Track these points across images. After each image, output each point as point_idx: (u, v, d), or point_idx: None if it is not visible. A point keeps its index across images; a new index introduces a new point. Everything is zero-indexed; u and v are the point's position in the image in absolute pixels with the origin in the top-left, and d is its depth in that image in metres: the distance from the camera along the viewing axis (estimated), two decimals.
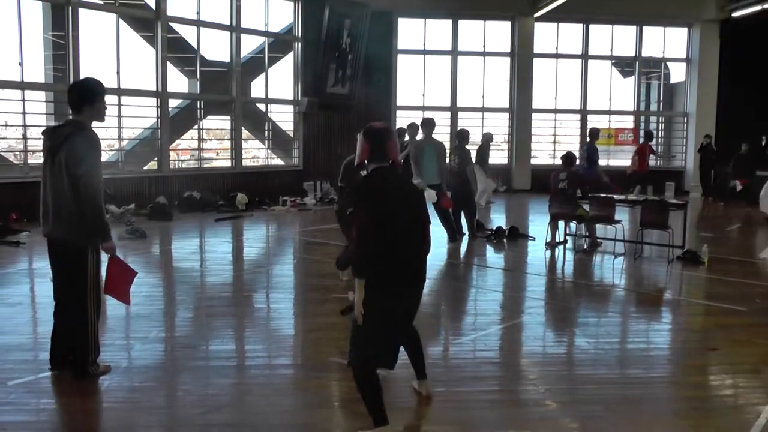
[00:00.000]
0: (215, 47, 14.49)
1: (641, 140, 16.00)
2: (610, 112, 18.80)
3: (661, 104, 19.92)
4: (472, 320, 6.19)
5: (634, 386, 4.47)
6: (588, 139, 12.08)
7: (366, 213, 3.47)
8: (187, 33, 13.90)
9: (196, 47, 13.86)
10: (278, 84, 15.57)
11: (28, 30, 11.38)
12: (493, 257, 9.18)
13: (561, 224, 9.60)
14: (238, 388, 4.36)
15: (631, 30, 18.43)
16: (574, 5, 16.14)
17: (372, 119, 5.01)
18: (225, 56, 14.47)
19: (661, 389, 4.46)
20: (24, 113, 11.28)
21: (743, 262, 8.81)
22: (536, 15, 17.32)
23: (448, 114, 17.57)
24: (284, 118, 15.92)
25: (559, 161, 10.48)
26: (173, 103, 13.81)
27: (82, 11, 11.73)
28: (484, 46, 17.87)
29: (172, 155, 13.96)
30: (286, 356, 5.14)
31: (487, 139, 14.53)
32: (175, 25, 13.60)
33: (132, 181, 12.53)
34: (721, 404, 4.26)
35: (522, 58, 17.80)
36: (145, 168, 13.53)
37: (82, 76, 10.80)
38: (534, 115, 18.16)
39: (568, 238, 9.77)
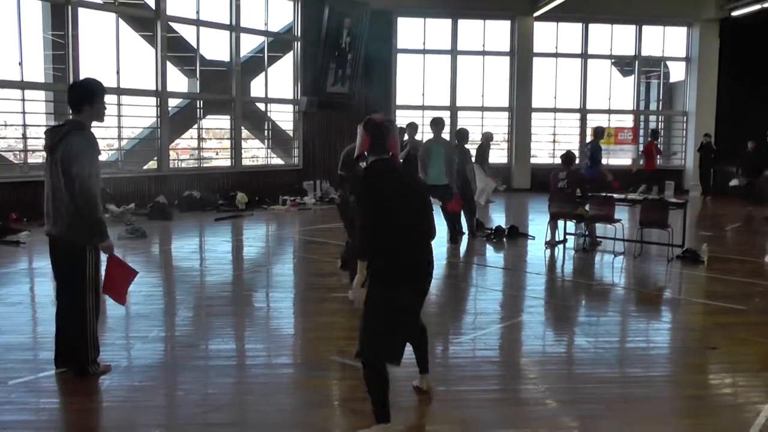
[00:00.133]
0: (215, 47, 14.50)
1: (648, 139, 16.02)
2: (609, 112, 18.80)
3: (660, 103, 19.93)
4: (472, 319, 6.19)
5: (634, 385, 4.47)
6: (592, 138, 11.96)
7: (367, 206, 3.47)
8: (187, 32, 13.91)
9: (195, 47, 13.86)
10: (278, 83, 15.58)
11: (28, 29, 11.40)
12: (493, 256, 9.18)
13: (561, 223, 9.60)
14: (238, 387, 4.37)
15: (630, 29, 18.43)
16: (574, 4, 16.15)
17: None
18: (225, 56, 14.47)
19: (661, 388, 4.47)
20: (24, 113, 11.28)
21: (743, 260, 8.81)
22: (536, 14, 17.32)
23: (447, 113, 17.54)
24: (284, 117, 15.93)
25: (558, 160, 10.48)
26: (173, 102, 13.81)
27: (81, 11, 11.73)
28: (483, 46, 17.88)
29: (172, 155, 13.95)
30: (286, 355, 5.14)
31: (488, 138, 14.52)
32: (174, 25, 13.60)
33: (132, 180, 12.54)
34: (721, 403, 4.26)
35: (521, 57, 17.80)
36: (145, 167, 13.53)
37: (81, 76, 10.86)
38: (533, 115, 18.17)
39: (567, 237, 9.78)
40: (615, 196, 9.41)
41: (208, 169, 14.55)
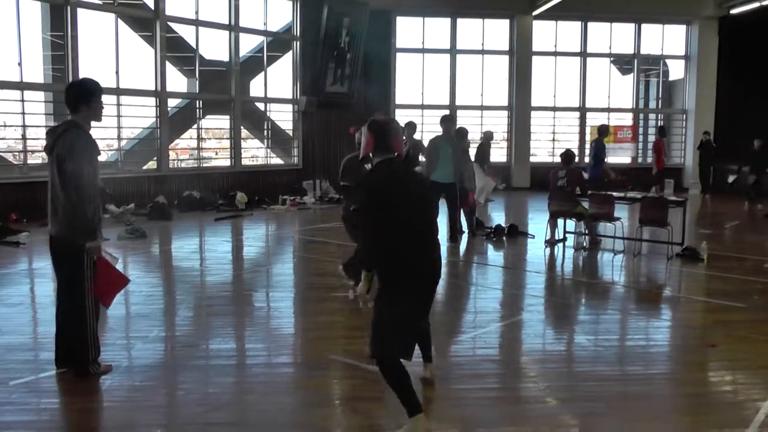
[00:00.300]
0: (214, 47, 14.51)
1: (658, 137, 16.05)
2: (609, 110, 18.79)
3: (660, 101, 19.92)
4: (471, 318, 6.20)
5: (633, 383, 4.48)
6: (597, 136, 11.89)
7: (372, 207, 3.47)
8: (186, 32, 13.91)
9: (194, 47, 13.86)
10: (277, 83, 15.59)
11: (27, 30, 11.40)
12: (493, 255, 9.19)
13: (560, 222, 9.60)
14: (239, 386, 4.37)
15: (629, 27, 18.43)
16: (573, 3, 16.17)
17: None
18: (224, 56, 14.48)
19: (661, 386, 4.47)
20: (23, 113, 11.28)
21: (742, 258, 8.82)
22: (535, 13, 17.32)
23: (447, 113, 17.51)
24: (283, 117, 15.94)
25: (558, 159, 10.48)
26: (172, 102, 13.82)
27: (80, 11, 11.73)
28: (482, 45, 17.88)
29: (172, 155, 13.96)
30: (286, 355, 5.14)
31: (488, 137, 14.51)
32: (173, 25, 13.60)
33: (131, 180, 12.54)
34: (721, 400, 4.26)
35: (521, 56, 17.80)
36: (145, 167, 13.54)
37: (81, 76, 10.83)
38: (533, 113, 18.17)
39: (567, 235, 9.78)
40: (614, 194, 9.41)
41: (207, 169, 14.56)
